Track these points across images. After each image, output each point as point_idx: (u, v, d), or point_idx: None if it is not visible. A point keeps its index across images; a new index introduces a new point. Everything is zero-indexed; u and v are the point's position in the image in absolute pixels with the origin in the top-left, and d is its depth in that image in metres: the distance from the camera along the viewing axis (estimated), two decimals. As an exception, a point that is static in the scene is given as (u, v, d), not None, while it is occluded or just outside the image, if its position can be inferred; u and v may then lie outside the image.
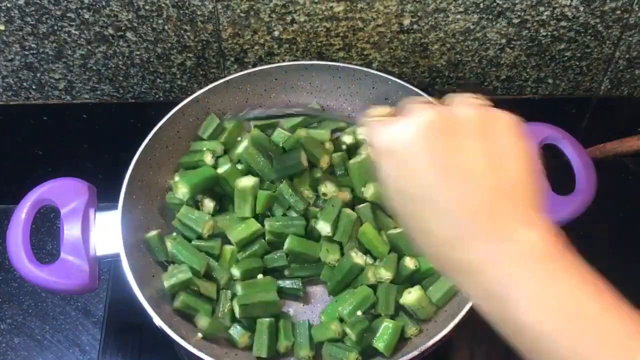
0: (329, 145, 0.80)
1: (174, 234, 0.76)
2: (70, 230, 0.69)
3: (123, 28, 0.83)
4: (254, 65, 0.88)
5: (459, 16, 0.84)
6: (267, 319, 0.71)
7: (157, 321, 0.66)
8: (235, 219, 0.76)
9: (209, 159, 0.79)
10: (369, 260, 0.74)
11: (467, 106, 0.46)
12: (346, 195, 0.77)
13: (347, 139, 0.81)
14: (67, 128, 0.95)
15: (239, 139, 0.82)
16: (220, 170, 0.77)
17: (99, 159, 0.94)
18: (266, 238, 0.75)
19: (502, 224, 0.42)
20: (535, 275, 0.41)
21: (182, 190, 0.75)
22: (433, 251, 0.45)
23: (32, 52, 0.85)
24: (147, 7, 0.81)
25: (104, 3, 0.80)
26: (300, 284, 0.75)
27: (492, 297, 0.42)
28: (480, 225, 0.42)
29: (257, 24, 0.84)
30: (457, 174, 0.43)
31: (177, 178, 0.76)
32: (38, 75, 0.88)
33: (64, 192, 0.72)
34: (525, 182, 0.44)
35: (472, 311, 0.66)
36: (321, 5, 0.82)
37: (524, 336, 0.42)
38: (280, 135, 0.80)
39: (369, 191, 0.75)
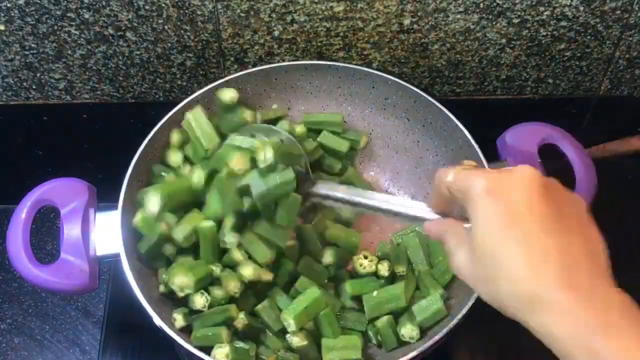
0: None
1: None
2: (70, 231, 0.69)
3: (123, 28, 0.83)
4: (254, 65, 0.88)
5: (459, 16, 0.84)
6: None
7: (157, 321, 0.66)
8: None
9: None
10: None
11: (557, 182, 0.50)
12: None
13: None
14: (67, 128, 0.95)
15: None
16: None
17: (99, 159, 0.94)
18: None
19: (594, 280, 0.45)
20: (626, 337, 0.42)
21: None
22: (512, 306, 0.47)
23: (32, 52, 0.85)
24: (147, 7, 0.81)
25: (104, 3, 0.80)
26: None
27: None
28: (578, 274, 0.45)
29: (257, 24, 0.84)
30: (561, 224, 0.46)
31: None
32: (38, 75, 0.88)
33: (64, 192, 0.72)
34: (605, 257, 0.47)
35: (472, 312, 0.66)
36: (321, 5, 0.82)
37: None
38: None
39: None
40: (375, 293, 0.73)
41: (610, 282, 0.45)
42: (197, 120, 0.76)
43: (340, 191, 0.68)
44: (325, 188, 0.70)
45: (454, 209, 0.55)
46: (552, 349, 0.45)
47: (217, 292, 0.70)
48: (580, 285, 0.44)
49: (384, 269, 0.76)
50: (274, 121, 0.83)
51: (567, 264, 0.44)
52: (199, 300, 0.69)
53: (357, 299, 0.75)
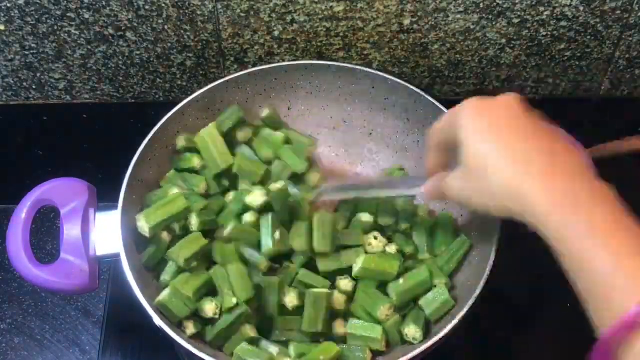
0: None
1: None
2: (70, 231, 0.69)
3: (123, 28, 0.83)
4: (254, 65, 0.88)
5: (459, 16, 0.84)
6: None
7: (157, 321, 0.66)
8: None
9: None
10: None
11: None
12: None
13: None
14: (67, 128, 0.95)
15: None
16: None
17: (99, 159, 0.94)
18: None
19: (573, 175, 0.51)
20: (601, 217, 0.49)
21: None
22: (506, 206, 0.52)
23: (32, 52, 0.85)
24: (147, 7, 0.81)
25: (104, 3, 0.80)
26: None
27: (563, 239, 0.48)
28: (559, 171, 0.51)
29: (257, 24, 0.84)
30: (539, 136, 0.54)
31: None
32: (38, 75, 0.88)
33: (64, 192, 0.72)
34: (586, 160, 0.53)
35: (472, 311, 0.66)
36: (321, 5, 0.82)
37: (589, 276, 0.47)
38: None
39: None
40: (401, 281, 0.72)
41: (592, 175, 0.51)
42: (211, 138, 0.76)
43: (343, 193, 0.76)
44: (329, 194, 0.76)
45: (447, 163, 0.62)
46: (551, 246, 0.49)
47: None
48: (562, 183, 0.49)
49: (391, 251, 0.75)
50: (266, 127, 0.83)
51: (548, 162, 0.51)
52: (209, 307, 0.69)
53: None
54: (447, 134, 0.58)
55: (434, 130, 0.61)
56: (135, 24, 0.83)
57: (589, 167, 0.52)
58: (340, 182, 0.77)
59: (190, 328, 0.68)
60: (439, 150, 0.63)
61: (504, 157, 0.52)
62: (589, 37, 0.88)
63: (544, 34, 0.87)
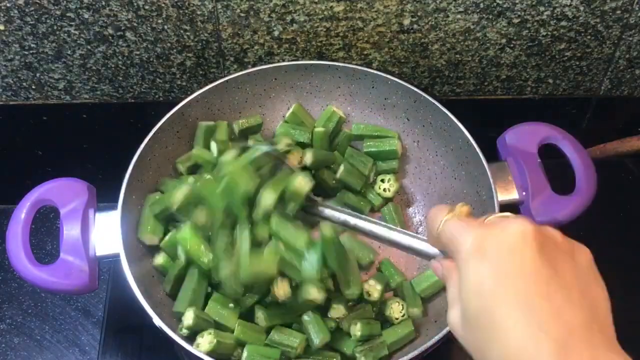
0: None
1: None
2: (70, 231, 0.69)
3: (123, 28, 0.83)
4: (254, 65, 0.88)
5: (459, 16, 0.84)
6: None
7: (157, 321, 0.66)
8: None
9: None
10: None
11: (554, 229, 0.46)
12: None
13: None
14: (67, 128, 0.95)
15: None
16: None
17: (99, 159, 0.94)
18: None
19: (595, 347, 0.41)
20: None
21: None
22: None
23: (31, 52, 0.85)
24: (146, 7, 0.81)
25: (103, 3, 0.80)
26: None
27: None
28: (573, 343, 0.40)
29: (257, 24, 0.84)
30: (551, 286, 0.42)
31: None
32: (38, 75, 0.88)
33: (64, 192, 0.72)
34: (606, 308, 0.44)
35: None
36: (321, 5, 0.82)
37: None
38: None
39: None
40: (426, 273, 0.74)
41: (613, 348, 0.41)
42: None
43: (343, 215, 0.67)
44: (330, 211, 0.68)
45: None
46: None
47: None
48: (577, 357, 0.40)
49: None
50: (251, 131, 0.83)
51: (563, 333, 0.40)
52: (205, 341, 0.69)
53: None
54: (444, 245, 0.50)
55: (431, 222, 0.51)
56: (135, 24, 0.83)
57: (609, 326, 0.43)
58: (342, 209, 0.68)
59: (204, 345, 0.69)
60: (438, 243, 0.52)
61: (513, 319, 0.41)
62: (589, 37, 0.88)
63: (544, 34, 0.87)
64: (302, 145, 0.82)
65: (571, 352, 0.40)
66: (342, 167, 0.81)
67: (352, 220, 0.65)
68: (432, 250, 0.55)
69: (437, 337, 0.65)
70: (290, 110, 0.84)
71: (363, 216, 0.65)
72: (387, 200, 0.84)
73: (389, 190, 0.83)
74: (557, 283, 0.42)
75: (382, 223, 0.63)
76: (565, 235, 0.46)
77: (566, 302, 0.42)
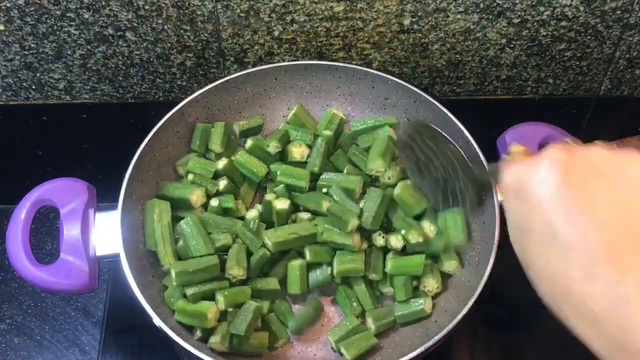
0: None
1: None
2: (70, 231, 0.69)
3: (123, 28, 0.83)
4: (254, 65, 0.88)
5: (459, 16, 0.84)
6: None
7: (157, 321, 0.66)
8: None
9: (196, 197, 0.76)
10: None
11: (598, 147, 0.46)
12: None
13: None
14: (67, 128, 0.95)
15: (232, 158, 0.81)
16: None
17: (99, 159, 0.94)
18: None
19: (622, 267, 0.40)
20: None
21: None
22: (556, 293, 0.44)
23: (31, 52, 0.85)
24: (146, 7, 0.81)
25: (103, 3, 0.80)
26: None
27: (612, 350, 0.40)
28: (599, 267, 0.40)
29: (257, 24, 0.84)
30: (585, 215, 0.42)
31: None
32: (38, 75, 0.88)
33: (64, 192, 0.72)
34: None
35: (472, 311, 0.66)
36: (321, 5, 0.82)
37: None
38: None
39: None
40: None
41: None
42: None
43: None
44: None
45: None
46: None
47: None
48: (603, 281, 0.40)
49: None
50: (252, 132, 0.83)
51: (588, 258, 0.41)
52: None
53: None
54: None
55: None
56: (135, 24, 0.83)
57: None
58: None
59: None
60: None
61: (552, 253, 0.43)
62: (589, 37, 0.88)
63: (544, 34, 0.87)
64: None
65: (595, 277, 0.40)
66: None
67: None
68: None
69: (437, 337, 0.65)
70: (292, 111, 0.84)
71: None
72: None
73: (392, 178, 0.82)
74: (585, 205, 0.42)
75: None
76: (612, 151, 0.46)
77: (592, 224, 0.42)
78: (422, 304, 0.73)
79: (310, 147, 0.81)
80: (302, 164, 0.80)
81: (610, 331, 0.39)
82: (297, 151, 0.80)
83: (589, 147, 0.46)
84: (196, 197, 0.76)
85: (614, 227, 0.42)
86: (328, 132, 0.82)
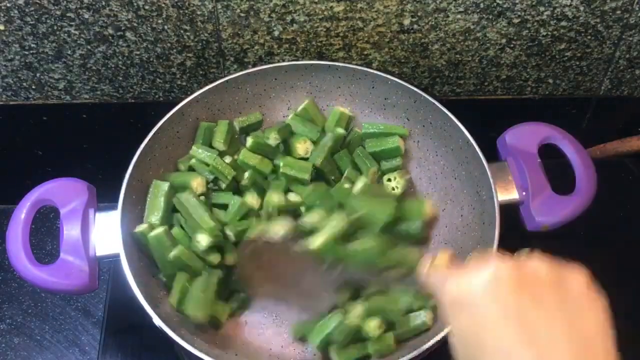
0: None
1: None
2: (70, 231, 0.69)
3: (123, 28, 0.83)
4: (254, 65, 0.88)
5: (459, 16, 0.84)
6: None
7: (157, 321, 0.66)
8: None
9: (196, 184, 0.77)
10: None
11: (539, 260, 0.45)
12: None
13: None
14: (67, 128, 0.95)
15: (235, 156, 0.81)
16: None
17: (99, 159, 0.94)
18: None
19: None
20: None
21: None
22: None
23: (31, 52, 0.85)
24: (146, 7, 0.81)
25: (103, 3, 0.80)
26: None
27: None
28: None
29: (257, 24, 0.84)
30: (533, 329, 0.41)
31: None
32: (38, 75, 0.88)
33: (64, 192, 0.71)
34: (603, 340, 0.42)
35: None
36: (321, 5, 0.82)
37: None
38: None
39: None
40: None
41: None
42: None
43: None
44: None
45: None
46: None
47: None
48: None
49: None
50: (252, 128, 0.84)
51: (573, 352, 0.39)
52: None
53: None
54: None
55: (419, 271, 0.52)
56: (135, 24, 0.83)
57: (609, 352, 0.41)
58: None
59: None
60: None
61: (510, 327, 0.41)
62: (589, 37, 0.88)
63: (544, 34, 0.87)
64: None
65: None
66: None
67: None
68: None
69: (437, 337, 0.65)
70: (302, 105, 0.84)
71: None
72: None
73: (397, 188, 0.82)
74: (540, 323, 0.41)
75: None
76: (553, 263, 0.45)
77: (551, 342, 0.40)
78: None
79: (314, 143, 0.81)
80: (305, 160, 0.81)
81: None
82: (301, 147, 0.81)
83: (530, 259, 0.45)
84: (196, 183, 0.76)
85: (573, 342, 0.41)
86: (340, 130, 0.82)
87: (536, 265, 0.44)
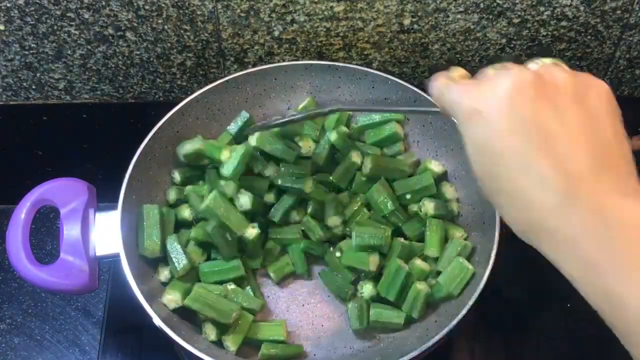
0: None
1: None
2: (70, 231, 0.69)
3: (123, 28, 0.83)
4: (254, 65, 0.88)
5: (459, 16, 0.84)
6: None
7: (157, 321, 0.66)
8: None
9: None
10: None
11: (560, 70, 0.45)
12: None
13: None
14: (67, 128, 0.95)
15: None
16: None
17: (99, 159, 0.94)
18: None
19: (601, 192, 0.39)
20: (635, 249, 0.38)
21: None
22: (522, 218, 0.42)
23: (31, 52, 0.85)
24: (147, 7, 0.81)
25: (103, 3, 0.80)
26: None
27: (588, 271, 0.39)
28: (578, 192, 0.39)
29: (257, 24, 0.84)
30: (551, 136, 0.41)
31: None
32: (38, 75, 0.88)
33: (64, 192, 0.71)
34: (620, 148, 0.42)
35: (472, 311, 0.66)
36: (321, 5, 0.82)
37: (624, 314, 0.38)
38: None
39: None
40: None
41: (625, 188, 0.40)
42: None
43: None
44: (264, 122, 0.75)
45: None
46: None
47: None
48: (583, 205, 0.39)
49: None
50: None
51: (565, 184, 0.40)
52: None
53: None
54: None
55: (431, 90, 0.50)
56: (135, 24, 0.83)
57: (623, 163, 0.42)
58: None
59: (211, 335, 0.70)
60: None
61: (513, 181, 0.41)
62: (589, 37, 0.88)
63: (544, 33, 0.87)
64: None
65: (574, 202, 0.39)
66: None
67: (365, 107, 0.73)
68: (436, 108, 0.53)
69: (437, 337, 0.65)
70: (304, 104, 0.84)
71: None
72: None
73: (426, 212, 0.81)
74: (559, 131, 0.41)
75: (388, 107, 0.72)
76: (574, 73, 0.44)
77: (568, 150, 0.40)
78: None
79: (316, 142, 0.81)
80: (307, 159, 0.81)
81: (593, 258, 0.39)
82: (305, 145, 0.81)
83: (551, 69, 0.44)
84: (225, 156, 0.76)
85: (590, 151, 0.41)
86: (343, 128, 0.82)
87: (557, 75, 0.44)
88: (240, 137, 0.82)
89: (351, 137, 0.83)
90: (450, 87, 0.47)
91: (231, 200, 0.74)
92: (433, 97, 0.50)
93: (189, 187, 0.78)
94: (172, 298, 0.70)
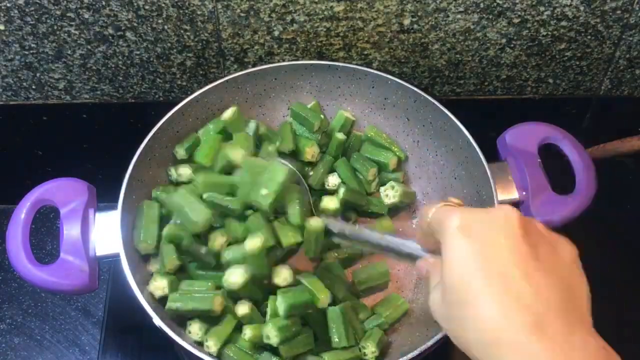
0: None
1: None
2: (70, 231, 0.69)
3: (123, 28, 0.83)
4: (254, 65, 0.88)
5: (459, 16, 0.84)
6: None
7: (157, 321, 0.66)
8: None
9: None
10: None
11: (539, 222, 0.48)
12: None
13: None
14: (67, 128, 0.95)
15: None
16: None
17: (99, 159, 0.94)
18: None
19: (570, 328, 0.42)
20: None
21: None
22: (477, 350, 0.44)
23: (31, 52, 0.85)
24: (147, 7, 0.81)
25: (103, 3, 0.80)
26: None
27: None
28: (559, 322, 0.42)
29: (257, 24, 0.84)
30: (537, 267, 0.43)
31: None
32: (38, 75, 0.88)
33: (64, 192, 0.72)
34: (587, 310, 0.45)
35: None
36: (321, 5, 0.82)
37: None
38: None
39: None
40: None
41: (589, 330, 0.43)
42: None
43: (342, 227, 0.69)
44: (330, 224, 0.71)
45: (437, 247, 0.51)
46: None
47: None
48: (552, 333, 0.41)
49: None
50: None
51: (540, 309, 0.42)
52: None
53: None
54: (433, 232, 0.50)
55: (422, 216, 0.52)
56: (135, 24, 0.83)
57: (586, 312, 0.45)
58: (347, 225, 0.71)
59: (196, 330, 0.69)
60: (426, 237, 0.53)
61: (491, 294, 0.43)
62: (589, 37, 0.88)
63: (544, 33, 0.87)
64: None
65: (547, 327, 0.41)
66: (342, 190, 0.80)
67: (349, 233, 0.68)
68: (420, 252, 0.55)
69: (437, 337, 0.65)
70: (309, 106, 0.85)
71: (355, 227, 0.68)
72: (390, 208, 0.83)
73: (391, 197, 0.81)
74: (537, 265, 0.44)
75: (375, 232, 0.63)
76: (551, 230, 0.47)
77: (544, 283, 0.43)
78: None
79: (320, 147, 0.82)
80: (312, 165, 0.82)
81: None
82: (309, 151, 0.81)
83: (532, 219, 0.48)
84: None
85: (562, 290, 0.43)
86: (341, 136, 0.83)
87: (538, 224, 0.47)
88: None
89: (350, 147, 0.84)
90: (444, 208, 0.50)
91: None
92: (423, 219, 0.52)
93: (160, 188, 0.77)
94: (158, 285, 0.70)
